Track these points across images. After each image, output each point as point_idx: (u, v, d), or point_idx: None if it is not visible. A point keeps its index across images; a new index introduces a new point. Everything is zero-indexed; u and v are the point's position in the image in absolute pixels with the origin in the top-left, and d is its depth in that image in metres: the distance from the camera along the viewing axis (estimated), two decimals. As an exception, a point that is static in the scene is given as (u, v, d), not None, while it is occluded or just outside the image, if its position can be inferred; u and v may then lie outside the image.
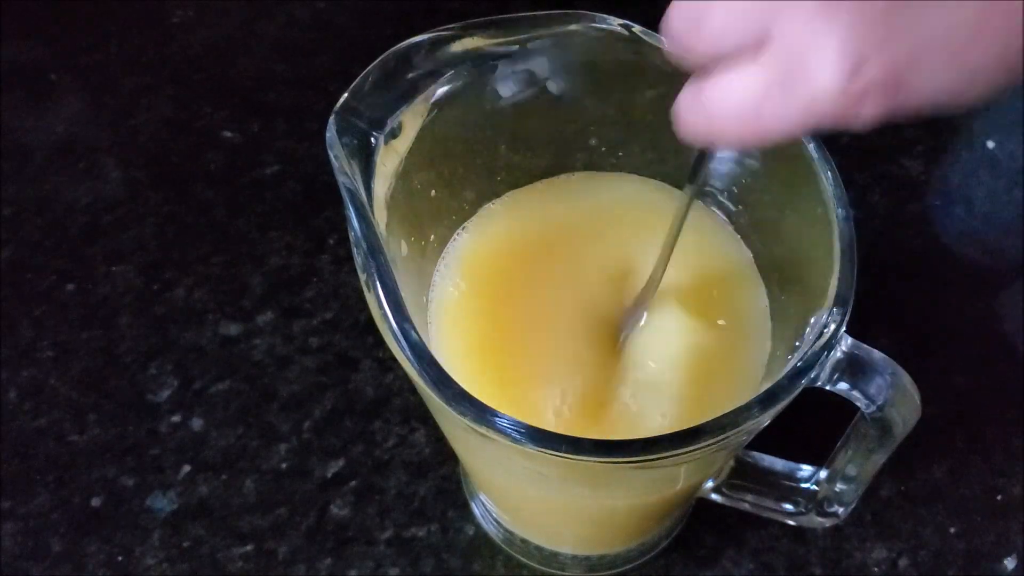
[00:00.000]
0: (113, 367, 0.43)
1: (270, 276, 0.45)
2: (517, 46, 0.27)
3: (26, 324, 0.44)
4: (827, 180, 0.26)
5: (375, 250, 0.23)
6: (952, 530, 0.40)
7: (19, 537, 0.39)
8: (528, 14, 0.27)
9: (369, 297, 0.24)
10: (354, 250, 0.24)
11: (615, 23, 0.27)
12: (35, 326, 0.44)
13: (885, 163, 0.50)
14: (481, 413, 0.22)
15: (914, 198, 0.49)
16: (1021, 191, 0.49)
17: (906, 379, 0.25)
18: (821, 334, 0.24)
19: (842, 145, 0.50)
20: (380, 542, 0.39)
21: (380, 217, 0.25)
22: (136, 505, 0.39)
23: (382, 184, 0.26)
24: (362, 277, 0.24)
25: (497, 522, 0.39)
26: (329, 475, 0.40)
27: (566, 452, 0.22)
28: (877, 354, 0.25)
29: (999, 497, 0.40)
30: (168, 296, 0.45)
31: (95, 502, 0.39)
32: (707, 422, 0.22)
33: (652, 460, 0.23)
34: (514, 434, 0.22)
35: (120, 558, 0.38)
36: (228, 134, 0.50)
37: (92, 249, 0.46)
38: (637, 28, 0.27)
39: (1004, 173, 0.50)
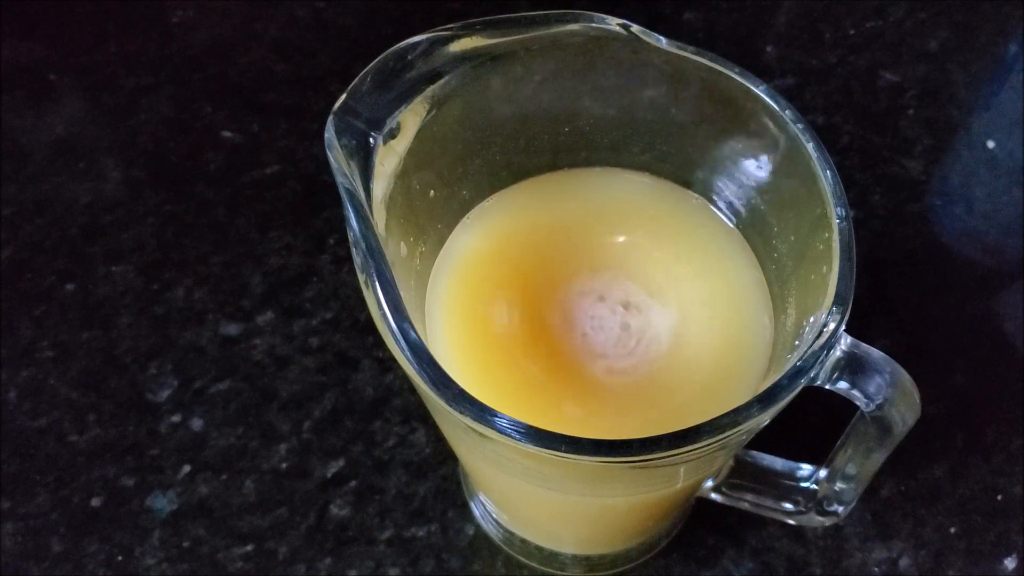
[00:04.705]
0: (113, 367, 0.43)
1: (270, 276, 0.45)
2: (516, 46, 0.27)
3: (26, 324, 0.44)
4: (826, 179, 0.26)
5: (374, 250, 0.23)
6: (952, 530, 0.40)
7: (19, 537, 0.39)
8: (527, 14, 0.27)
9: (368, 297, 0.24)
10: (353, 250, 0.24)
11: (614, 23, 0.27)
12: (35, 326, 0.44)
13: (885, 163, 0.50)
14: (480, 413, 0.22)
15: (914, 198, 0.49)
16: (1021, 191, 0.49)
17: (906, 378, 0.26)
18: (820, 333, 0.24)
19: (842, 146, 0.50)
20: (380, 542, 0.39)
21: (379, 218, 0.25)
22: (136, 505, 0.39)
23: (380, 185, 0.26)
24: (361, 277, 0.24)
25: (496, 522, 0.39)
26: (329, 475, 0.40)
27: (566, 452, 0.22)
28: (876, 353, 0.25)
29: (999, 497, 0.40)
30: (168, 296, 0.45)
31: (95, 502, 0.39)
32: (707, 422, 0.22)
33: (652, 460, 0.23)
34: (514, 434, 0.22)
35: (120, 558, 0.38)
36: (228, 134, 0.50)
37: (92, 249, 0.46)
38: (635, 28, 0.27)
39: (1004, 173, 0.50)
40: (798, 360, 0.24)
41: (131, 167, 0.49)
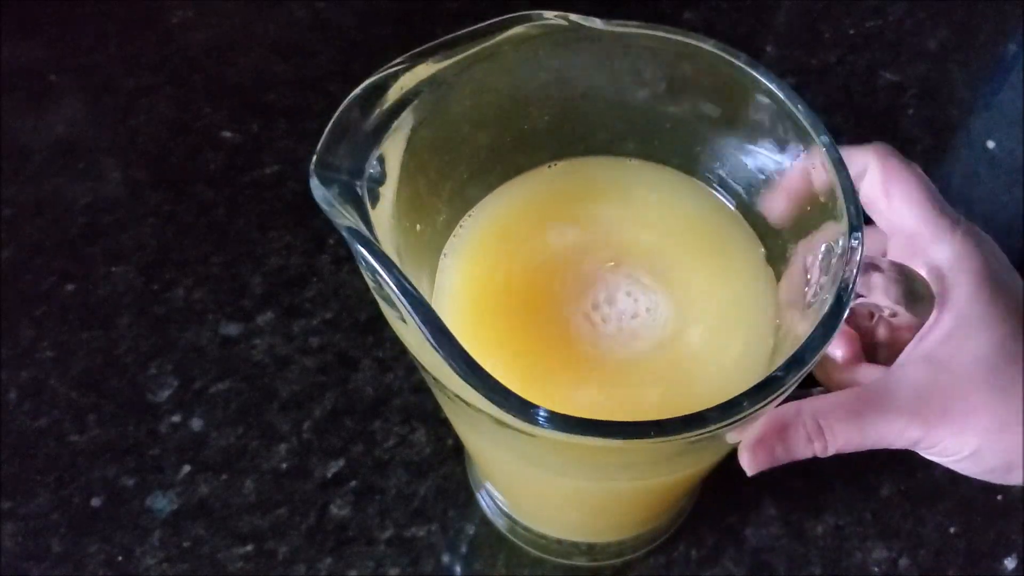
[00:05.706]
0: (113, 367, 0.43)
1: (270, 276, 0.45)
2: (466, 62, 0.27)
3: (26, 324, 0.44)
4: (800, 112, 0.26)
5: (399, 278, 0.22)
6: (952, 530, 0.40)
7: (19, 537, 0.39)
8: (468, 29, 0.27)
9: (404, 328, 0.23)
10: (378, 294, 0.23)
11: (552, 16, 0.27)
12: (35, 326, 0.44)
13: (885, 163, 0.50)
14: (574, 426, 0.21)
15: (914, 198, 0.49)
16: (1021, 191, 0.49)
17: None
18: (851, 256, 0.23)
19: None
20: (380, 542, 0.39)
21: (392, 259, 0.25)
22: (136, 505, 0.39)
23: (384, 233, 0.25)
24: (393, 315, 0.23)
25: (502, 511, 0.39)
26: (329, 475, 0.40)
27: (654, 436, 0.21)
28: (886, 261, 0.26)
29: (999, 497, 0.40)
30: (168, 296, 0.45)
31: (95, 502, 0.39)
32: (770, 376, 0.22)
33: (723, 426, 0.22)
34: (606, 434, 0.21)
35: (120, 558, 0.38)
36: (228, 134, 0.50)
37: (92, 249, 0.46)
38: (574, 16, 0.27)
39: (1004, 173, 0.50)
40: (839, 288, 0.23)
41: (131, 167, 0.49)
